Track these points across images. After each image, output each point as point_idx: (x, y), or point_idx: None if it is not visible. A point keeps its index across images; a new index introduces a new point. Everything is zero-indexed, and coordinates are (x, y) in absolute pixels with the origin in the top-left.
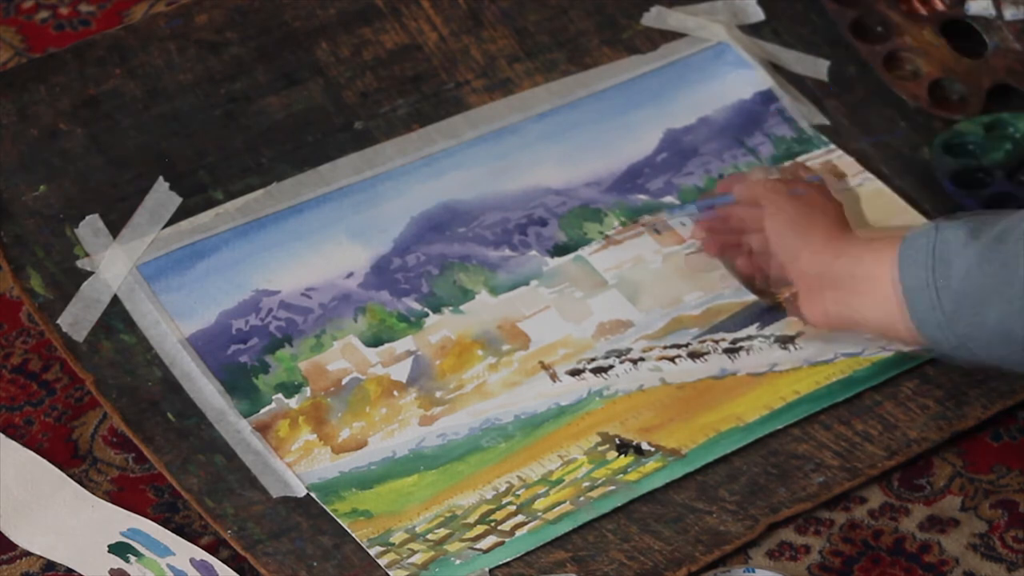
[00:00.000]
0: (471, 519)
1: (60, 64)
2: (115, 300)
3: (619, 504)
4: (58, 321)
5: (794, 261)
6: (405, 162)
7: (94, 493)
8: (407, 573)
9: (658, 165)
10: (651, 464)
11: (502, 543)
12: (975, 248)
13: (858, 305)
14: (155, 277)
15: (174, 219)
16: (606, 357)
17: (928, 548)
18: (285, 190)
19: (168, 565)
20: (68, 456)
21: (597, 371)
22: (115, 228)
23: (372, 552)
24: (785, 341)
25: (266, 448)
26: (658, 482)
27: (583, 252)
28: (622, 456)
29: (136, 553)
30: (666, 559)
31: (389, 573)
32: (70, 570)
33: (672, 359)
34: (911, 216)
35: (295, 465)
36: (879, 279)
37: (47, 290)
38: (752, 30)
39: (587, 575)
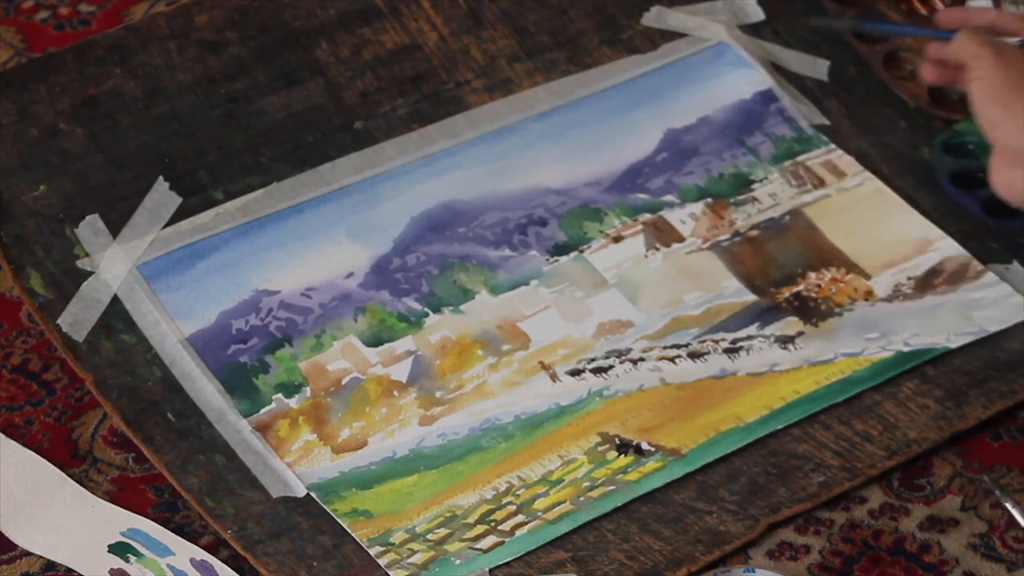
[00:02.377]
0: (471, 519)
1: (60, 64)
2: (115, 300)
3: (619, 504)
4: (58, 321)
5: (992, 130)
6: (405, 162)
7: (94, 493)
8: (407, 573)
9: (658, 164)
10: (651, 464)
11: (502, 543)
12: None
13: None
14: (155, 277)
15: (174, 219)
16: (606, 357)
17: (928, 548)
18: (285, 190)
19: (168, 565)
20: (68, 456)
21: (597, 371)
22: (115, 228)
23: (372, 552)
24: (785, 341)
25: (266, 448)
26: (658, 482)
27: (583, 252)
28: (622, 456)
29: (136, 553)
30: (666, 559)
31: (389, 573)
32: (70, 570)
33: (672, 359)
34: (911, 216)
35: (295, 465)
36: None
37: (47, 290)
38: (752, 30)
39: (587, 575)
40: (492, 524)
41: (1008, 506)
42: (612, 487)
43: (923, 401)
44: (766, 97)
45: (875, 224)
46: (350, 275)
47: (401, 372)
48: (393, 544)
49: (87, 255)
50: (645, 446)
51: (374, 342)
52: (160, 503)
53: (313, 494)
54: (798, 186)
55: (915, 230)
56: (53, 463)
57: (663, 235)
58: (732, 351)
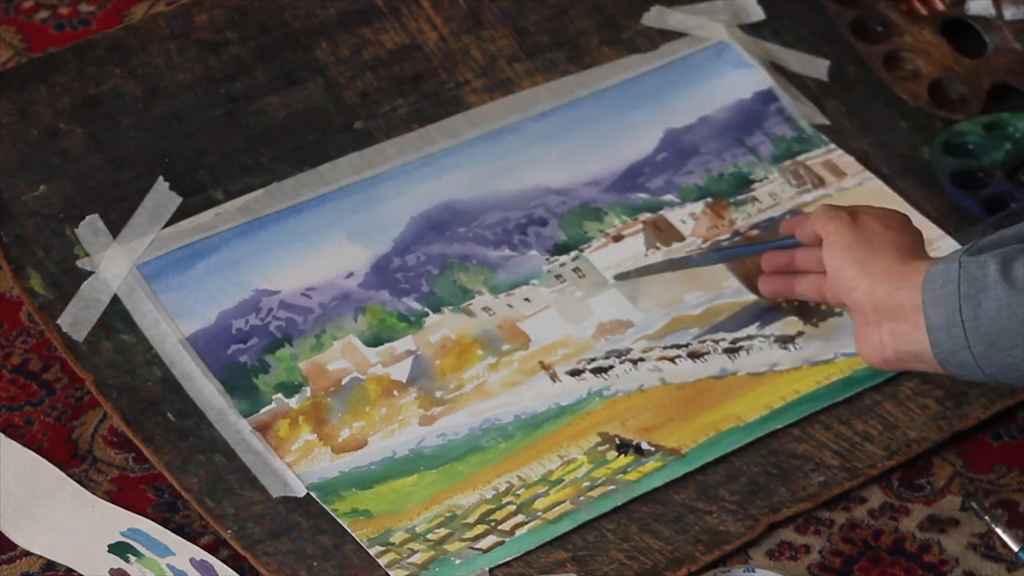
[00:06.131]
0: (471, 519)
1: (60, 64)
2: (115, 300)
3: (619, 504)
4: (58, 321)
5: (850, 292)
6: (405, 162)
7: (94, 493)
8: (407, 573)
9: (658, 164)
10: (651, 464)
11: (502, 543)
12: (1005, 288)
13: (917, 338)
14: (155, 277)
15: (174, 219)
16: (606, 357)
17: (928, 548)
18: (285, 190)
19: (168, 565)
20: (68, 456)
21: (597, 371)
22: (115, 228)
23: (372, 552)
24: (785, 341)
25: (266, 448)
26: (658, 482)
27: (583, 251)
28: (622, 456)
29: (136, 553)
30: (666, 559)
31: (389, 573)
32: (70, 570)
33: (672, 359)
34: (912, 216)
35: (295, 465)
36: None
37: (47, 290)
38: (752, 29)
39: (587, 575)
40: (492, 524)
41: (995, 528)
42: (612, 487)
43: (923, 401)
44: (766, 97)
45: None
46: (350, 275)
47: (401, 372)
48: (393, 544)
49: (87, 255)
50: (645, 446)
51: (374, 342)
52: (160, 503)
53: (313, 494)
54: (798, 186)
55: None
56: (53, 463)
57: (663, 234)
58: (732, 351)
